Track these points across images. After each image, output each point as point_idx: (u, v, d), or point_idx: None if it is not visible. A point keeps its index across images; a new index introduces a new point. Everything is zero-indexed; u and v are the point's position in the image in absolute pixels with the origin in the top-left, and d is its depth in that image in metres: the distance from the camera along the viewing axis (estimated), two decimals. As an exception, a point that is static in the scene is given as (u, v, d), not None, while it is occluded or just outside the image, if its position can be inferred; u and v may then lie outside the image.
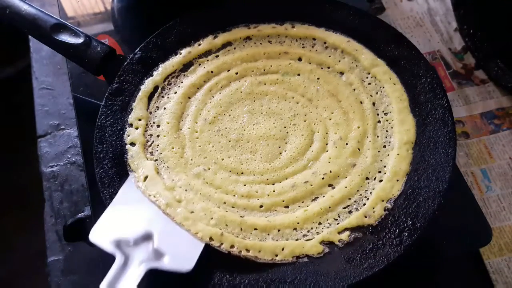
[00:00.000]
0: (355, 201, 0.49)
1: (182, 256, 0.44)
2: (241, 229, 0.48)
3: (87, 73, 0.58)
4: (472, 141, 0.67)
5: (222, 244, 0.46)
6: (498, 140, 0.66)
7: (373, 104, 0.54)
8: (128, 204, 0.48)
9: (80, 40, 0.56)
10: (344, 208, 0.48)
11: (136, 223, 0.46)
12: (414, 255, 0.46)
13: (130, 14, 0.73)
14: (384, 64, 0.56)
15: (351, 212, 0.48)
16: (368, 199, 0.49)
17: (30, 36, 0.73)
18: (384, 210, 0.48)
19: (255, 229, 0.48)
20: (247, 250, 0.46)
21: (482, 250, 0.58)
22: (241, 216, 0.48)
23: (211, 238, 0.46)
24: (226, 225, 0.48)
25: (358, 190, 0.49)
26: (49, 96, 0.72)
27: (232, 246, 0.46)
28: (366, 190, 0.49)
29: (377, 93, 0.55)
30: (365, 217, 0.47)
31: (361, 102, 0.54)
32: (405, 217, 0.46)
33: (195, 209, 0.48)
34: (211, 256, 0.46)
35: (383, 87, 0.55)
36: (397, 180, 0.49)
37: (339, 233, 0.47)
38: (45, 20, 0.56)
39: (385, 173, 0.50)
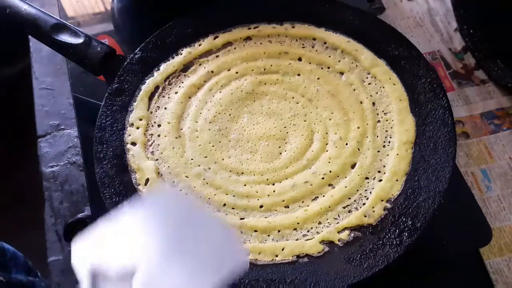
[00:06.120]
0: (354, 201, 0.49)
1: None
2: (241, 232, 0.48)
3: (87, 73, 0.58)
4: (472, 141, 0.67)
5: None
6: (498, 140, 0.66)
7: (373, 104, 0.54)
8: (128, 225, 0.37)
9: (80, 40, 0.56)
10: (344, 207, 0.48)
11: (124, 253, 0.36)
12: (414, 255, 0.45)
13: (130, 14, 0.73)
14: (384, 64, 0.56)
15: (351, 211, 0.48)
16: (367, 198, 0.49)
17: (30, 36, 0.73)
18: (384, 210, 0.48)
19: (255, 231, 0.48)
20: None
21: (482, 250, 0.58)
22: (241, 218, 0.48)
23: None
24: None
25: (357, 190, 0.49)
26: (49, 96, 0.72)
27: None
28: (366, 190, 0.49)
29: (377, 93, 0.55)
30: (365, 216, 0.47)
31: (361, 102, 0.54)
32: (405, 217, 0.46)
33: None
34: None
35: (383, 87, 0.55)
36: (397, 180, 0.49)
37: (338, 232, 0.47)
38: (45, 20, 0.56)
39: (384, 173, 0.50)
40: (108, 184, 0.50)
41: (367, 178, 0.50)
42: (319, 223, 0.48)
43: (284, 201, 0.49)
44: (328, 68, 0.57)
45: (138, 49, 0.58)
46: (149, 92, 0.56)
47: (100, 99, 0.55)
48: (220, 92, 0.56)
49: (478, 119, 0.68)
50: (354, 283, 0.43)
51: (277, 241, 0.47)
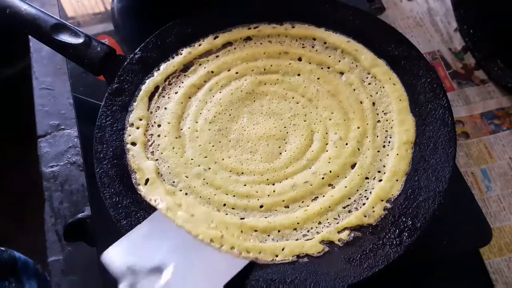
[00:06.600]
0: (354, 201, 0.49)
1: None
2: (242, 231, 0.48)
3: (87, 73, 0.58)
4: (472, 141, 0.67)
5: (222, 246, 0.46)
6: (498, 140, 0.66)
7: (373, 104, 0.54)
8: (151, 234, 0.45)
9: (80, 40, 0.56)
10: (344, 207, 0.48)
11: (154, 254, 0.44)
12: (414, 255, 0.46)
13: (130, 14, 0.73)
14: (384, 64, 0.56)
15: (351, 211, 0.48)
16: (367, 198, 0.49)
17: (30, 36, 0.73)
18: (384, 210, 0.48)
19: (255, 230, 0.48)
20: (248, 252, 0.46)
21: (482, 250, 0.58)
22: (241, 218, 0.48)
23: (211, 240, 0.47)
24: (227, 228, 0.48)
25: (357, 190, 0.49)
26: (49, 96, 0.72)
27: (232, 248, 0.46)
28: (366, 190, 0.49)
29: (377, 93, 0.55)
30: (365, 216, 0.47)
31: (361, 102, 0.54)
32: (405, 217, 0.46)
33: (195, 213, 0.49)
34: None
35: (383, 87, 0.55)
36: (397, 180, 0.49)
37: (338, 232, 0.47)
38: (45, 20, 0.56)
39: (384, 173, 0.50)
40: (108, 184, 0.50)
41: (367, 178, 0.50)
42: (319, 223, 0.48)
43: (284, 201, 0.49)
44: (328, 68, 0.57)
45: (138, 49, 0.58)
46: (149, 92, 0.56)
47: (100, 99, 0.55)
48: (220, 92, 0.56)
49: (478, 119, 0.68)
50: (354, 283, 0.43)
51: (277, 241, 0.47)
